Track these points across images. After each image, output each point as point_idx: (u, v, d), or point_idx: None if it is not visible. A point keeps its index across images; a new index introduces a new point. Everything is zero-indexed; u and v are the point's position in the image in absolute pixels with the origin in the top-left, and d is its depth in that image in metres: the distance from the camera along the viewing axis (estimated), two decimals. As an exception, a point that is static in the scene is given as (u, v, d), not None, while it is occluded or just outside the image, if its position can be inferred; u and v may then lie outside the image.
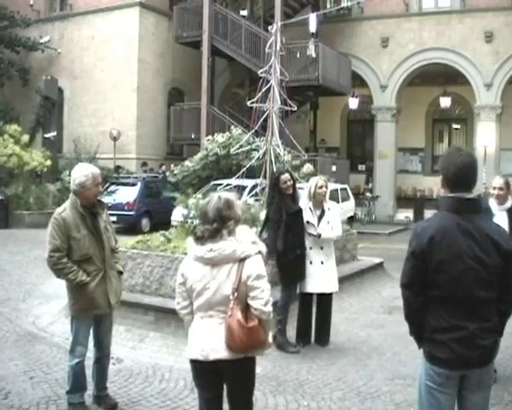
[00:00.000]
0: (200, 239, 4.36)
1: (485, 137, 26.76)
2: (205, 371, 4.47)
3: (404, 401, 6.53)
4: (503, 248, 3.86)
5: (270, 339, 4.58)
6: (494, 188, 7.17)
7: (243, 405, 4.61)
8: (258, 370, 6.70)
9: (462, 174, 3.90)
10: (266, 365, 7.39)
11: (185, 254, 8.86)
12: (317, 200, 8.42)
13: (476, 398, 4.01)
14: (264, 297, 4.27)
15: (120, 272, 6.37)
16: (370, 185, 29.65)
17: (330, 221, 8.43)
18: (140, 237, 10.37)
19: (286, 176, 8.31)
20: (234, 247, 4.28)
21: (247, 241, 4.34)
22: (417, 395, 4.18)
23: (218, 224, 4.32)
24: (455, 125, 32.71)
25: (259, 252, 4.37)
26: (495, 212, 6.93)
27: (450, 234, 3.82)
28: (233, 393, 4.54)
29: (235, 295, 4.26)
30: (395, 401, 6.57)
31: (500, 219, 6.56)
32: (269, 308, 4.31)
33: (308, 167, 18.99)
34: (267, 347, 4.55)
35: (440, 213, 3.96)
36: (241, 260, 4.29)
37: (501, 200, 7.14)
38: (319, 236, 8.31)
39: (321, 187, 8.38)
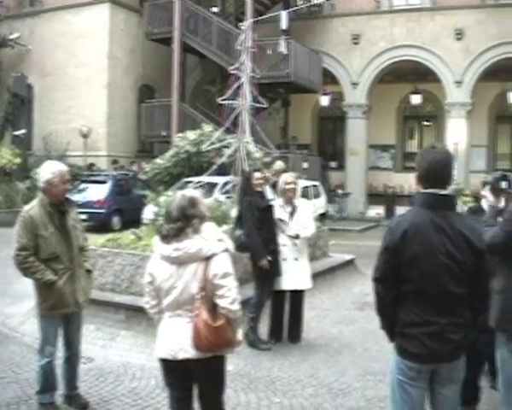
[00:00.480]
0: (166, 238, 4.33)
1: (456, 134, 26.95)
2: (174, 371, 4.47)
3: (375, 396, 6.57)
4: (475, 246, 3.89)
5: (241, 337, 4.57)
6: None
7: (213, 403, 4.61)
8: (229, 367, 6.70)
9: (433, 171, 3.93)
10: (238, 362, 7.38)
11: (156, 252, 8.86)
12: (287, 197, 8.44)
13: (447, 392, 4.05)
14: (230, 296, 4.25)
15: (89, 271, 6.31)
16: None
17: (301, 218, 8.44)
18: (110, 236, 10.30)
19: (259, 174, 8.37)
20: (199, 245, 4.25)
21: (213, 239, 4.32)
22: (389, 390, 4.21)
23: (182, 222, 4.29)
24: (425, 123, 32.89)
25: (226, 250, 4.34)
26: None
27: (424, 229, 3.86)
28: (203, 392, 4.53)
29: (202, 294, 4.24)
30: (366, 397, 6.60)
31: None
32: (236, 307, 4.29)
33: (279, 164, 18.94)
34: (237, 345, 4.53)
35: (414, 209, 3.99)
36: (208, 259, 4.26)
37: None
38: (297, 236, 8.34)
39: (289, 183, 8.40)
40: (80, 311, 6.21)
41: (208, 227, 4.38)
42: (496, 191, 4.98)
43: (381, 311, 4.08)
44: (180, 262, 4.29)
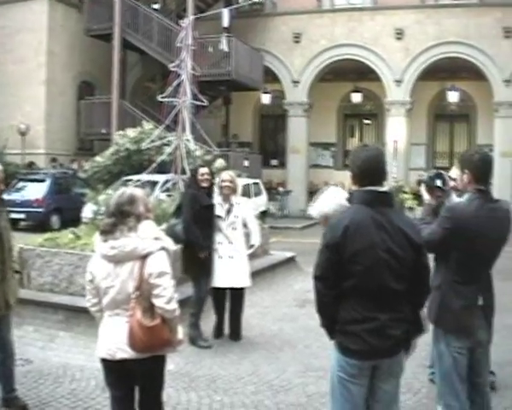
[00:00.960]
0: (104, 234, 4.31)
1: (396, 132, 27.36)
2: (113, 370, 4.43)
3: (316, 392, 6.61)
4: (414, 242, 3.96)
5: (181, 336, 4.54)
6: None
7: (152, 403, 4.58)
8: (170, 366, 6.68)
9: (369, 168, 3.99)
10: (179, 361, 7.34)
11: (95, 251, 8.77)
12: (224, 194, 8.51)
13: (387, 387, 4.11)
14: (166, 295, 4.21)
15: (17, 272, 6.23)
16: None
17: (239, 216, 8.52)
18: (49, 235, 10.14)
19: (204, 169, 8.44)
20: (135, 244, 4.22)
21: (149, 237, 4.28)
22: (329, 386, 4.24)
23: (116, 218, 4.27)
24: (366, 121, 33.28)
25: (163, 248, 4.30)
26: None
27: (364, 226, 3.90)
28: (142, 391, 4.50)
29: (137, 293, 4.21)
30: (307, 393, 6.64)
31: None
32: (172, 306, 4.25)
33: (220, 162, 18.96)
34: (177, 344, 4.51)
35: (354, 206, 4.03)
36: (144, 258, 4.22)
37: None
38: (251, 246, 8.64)
39: (225, 181, 8.50)
40: (10, 312, 6.11)
41: (146, 226, 4.33)
42: (431, 189, 5.07)
43: (322, 309, 4.09)
44: (117, 261, 4.25)
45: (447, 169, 5.32)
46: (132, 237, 4.25)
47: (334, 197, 4.93)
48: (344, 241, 3.87)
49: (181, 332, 4.53)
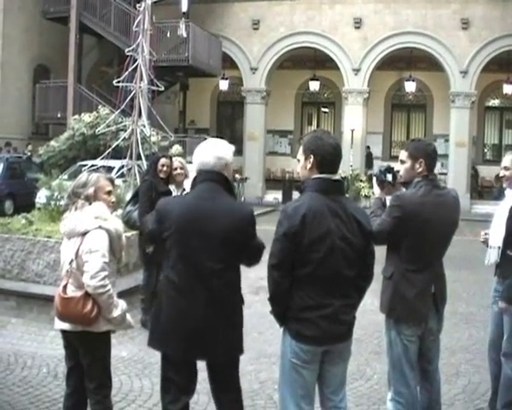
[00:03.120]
0: (63, 212, 4.73)
1: (353, 120, 27.55)
2: (63, 340, 4.76)
3: (269, 378, 6.66)
4: (365, 228, 4.05)
5: (115, 314, 4.54)
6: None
7: (95, 381, 4.64)
8: (123, 353, 6.65)
9: (329, 157, 4.04)
10: (132, 348, 7.34)
11: (48, 237, 8.68)
12: (177, 182, 8.56)
13: (336, 370, 4.19)
14: (90, 271, 4.39)
15: None
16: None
17: None
18: (0, 220, 9.99)
19: (166, 161, 8.49)
20: (75, 221, 4.50)
21: (90, 216, 4.49)
22: (279, 372, 4.29)
23: (69, 199, 4.64)
24: (324, 109, 33.44)
25: (100, 227, 4.47)
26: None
27: (321, 214, 3.93)
28: (85, 366, 4.64)
29: (70, 267, 4.47)
30: (260, 380, 6.70)
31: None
32: (94, 283, 4.38)
33: (177, 149, 18.90)
34: (117, 323, 4.61)
35: (310, 194, 4.04)
36: (84, 235, 4.46)
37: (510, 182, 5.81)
38: None
39: (176, 169, 8.54)
40: None
41: (94, 206, 4.56)
42: (381, 183, 5.11)
43: (276, 297, 4.11)
44: (68, 237, 4.58)
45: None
46: (76, 215, 4.52)
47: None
48: (302, 229, 3.90)
49: (118, 311, 4.55)
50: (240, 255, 4.31)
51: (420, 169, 4.78)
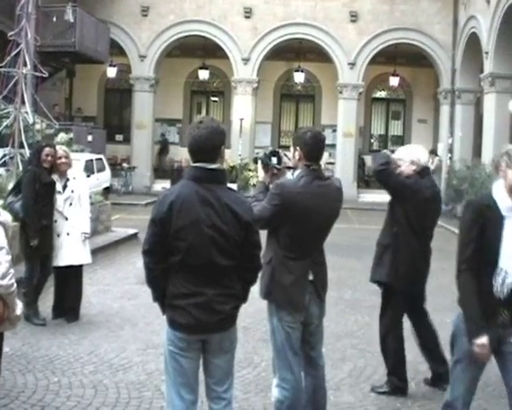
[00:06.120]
0: None
1: (242, 110, 27.62)
2: None
3: (156, 369, 6.63)
4: (242, 219, 4.03)
5: (19, 312, 4.33)
6: None
7: None
8: (6, 349, 6.46)
9: (198, 145, 4.02)
10: (15, 343, 7.13)
11: None
12: (61, 171, 8.41)
13: (218, 361, 4.19)
14: (0, 270, 4.02)
15: None
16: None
17: (75, 191, 8.47)
18: None
19: (50, 150, 8.27)
20: None
21: None
22: (163, 361, 4.30)
23: None
24: (213, 98, 33.44)
25: None
26: None
27: (189, 202, 3.95)
28: None
29: None
30: (147, 371, 6.66)
31: None
32: (6, 282, 4.05)
33: (62, 137, 18.45)
34: (15, 320, 4.33)
35: (182, 182, 4.07)
36: None
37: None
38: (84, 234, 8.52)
39: (60, 158, 8.37)
40: None
41: None
42: (266, 167, 5.16)
43: (151, 283, 4.14)
44: None
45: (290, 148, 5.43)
46: None
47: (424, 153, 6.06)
48: (169, 216, 3.92)
49: (19, 309, 4.36)
50: None
51: (297, 157, 4.87)
